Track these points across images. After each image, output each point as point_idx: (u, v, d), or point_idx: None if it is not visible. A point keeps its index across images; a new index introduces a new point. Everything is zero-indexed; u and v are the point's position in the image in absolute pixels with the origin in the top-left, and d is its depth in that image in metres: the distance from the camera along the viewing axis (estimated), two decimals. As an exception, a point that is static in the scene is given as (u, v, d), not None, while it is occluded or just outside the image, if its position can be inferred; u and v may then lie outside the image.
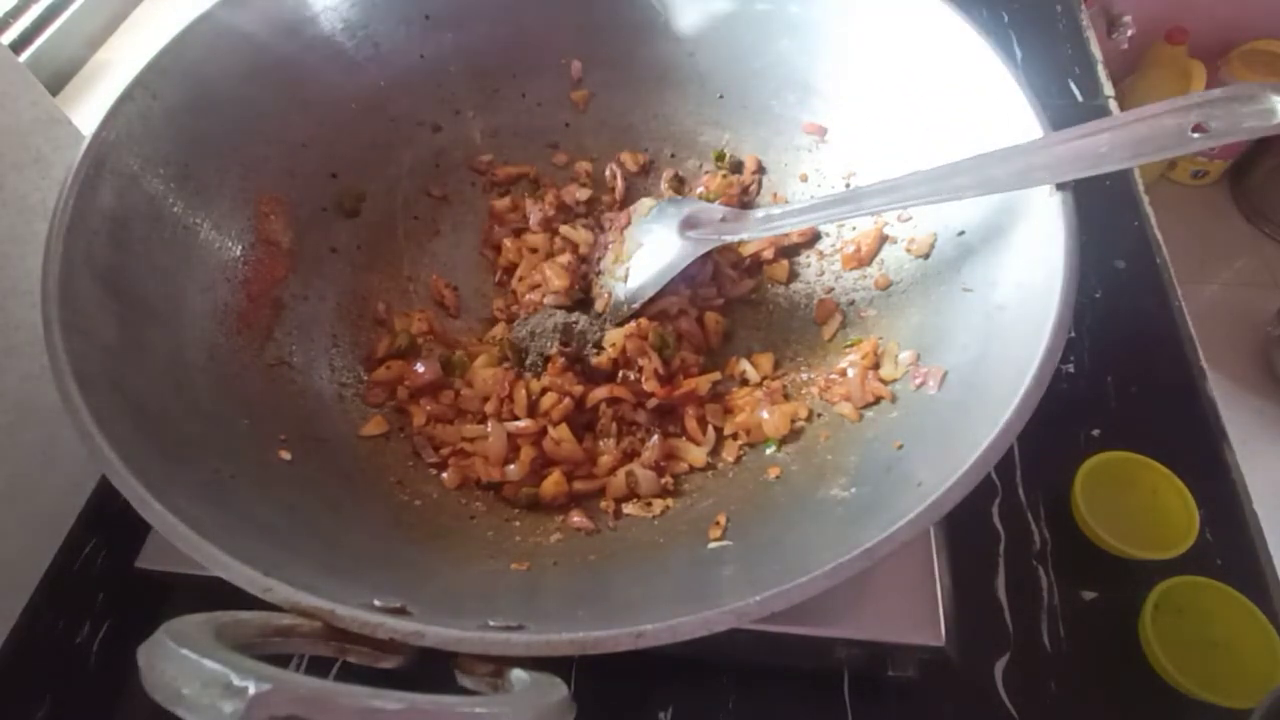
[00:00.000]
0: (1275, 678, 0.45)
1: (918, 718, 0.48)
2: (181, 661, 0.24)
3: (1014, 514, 0.55)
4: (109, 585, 0.54)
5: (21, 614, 0.53)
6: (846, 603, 0.42)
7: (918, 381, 0.44)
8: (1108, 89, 0.82)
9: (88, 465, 0.57)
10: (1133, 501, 0.52)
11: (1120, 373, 0.61)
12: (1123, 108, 0.80)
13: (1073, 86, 0.82)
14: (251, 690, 0.23)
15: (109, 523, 0.56)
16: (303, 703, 0.23)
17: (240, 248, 0.50)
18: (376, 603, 0.31)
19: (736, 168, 0.61)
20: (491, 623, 0.31)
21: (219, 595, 0.31)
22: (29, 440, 0.55)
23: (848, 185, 0.57)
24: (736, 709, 0.48)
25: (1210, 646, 0.47)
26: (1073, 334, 0.63)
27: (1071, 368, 0.62)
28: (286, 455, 0.45)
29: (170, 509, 0.32)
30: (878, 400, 0.46)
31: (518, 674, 0.29)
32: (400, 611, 0.31)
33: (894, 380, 0.47)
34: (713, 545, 0.42)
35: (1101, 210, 0.70)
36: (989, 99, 0.45)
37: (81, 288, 0.39)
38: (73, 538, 0.56)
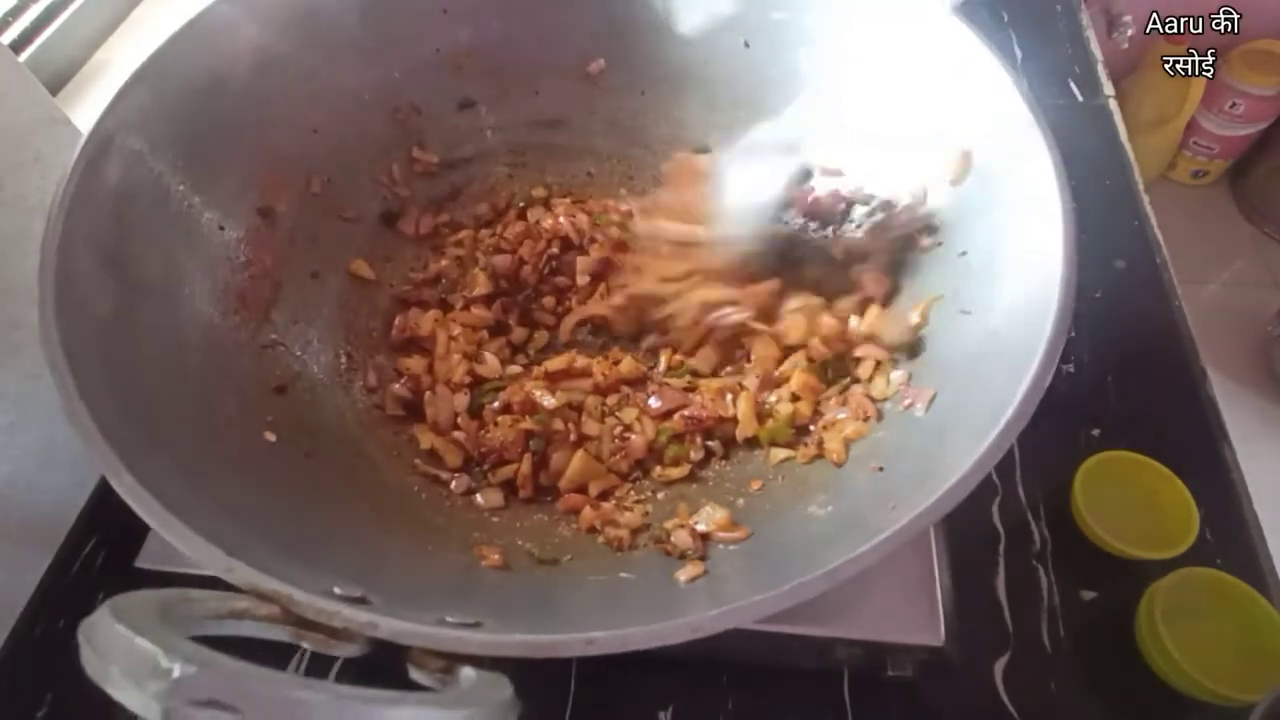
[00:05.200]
0: (1278, 670, 0.45)
1: (918, 718, 0.48)
2: (115, 638, 0.24)
3: (1014, 514, 0.55)
4: (109, 585, 0.54)
5: (22, 614, 0.53)
6: (846, 603, 0.42)
7: (907, 402, 0.44)
8: (1108, 89, 0.82)
9: (88, 465, 0.57)
10: (1133, 501, 0.52)
11: (1120, 373, 0.61)
12: (1123, 108, 0.80)
13: (1073, 86, 0.82)
14: (176, 672, 0.23)
15: (109, 523, 0.56)
16: (224, 688, 0.23)
17: (244, 228, 0.50)
18: (336, 590, 0.31)
19: None
20: (449, 618, 0.31)
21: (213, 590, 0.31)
22: (29, 440, 0.55)
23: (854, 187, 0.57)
24: (736, 709, 0.48)
25: (1210, 640, 0.47)
26: (1073, 334, 0.63)
27: (1071, 368, 0.62)
28: (271, 437, 0.45)
29: (143, 483, 0.32)
30: (865, 418, 0.46)
31: (466, 672, 0.29)
32: (360, 600, 0.31)
33: (884, 399, 0.46)
34: (688, 554, 0.42)
35: (1101, 210, 0.70)
36: (989, 100, 0.45)
37: (81, 262, 0.39)
38: (73, 538, 0.56)
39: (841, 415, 0.47)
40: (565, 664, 0.48)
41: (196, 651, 0.24)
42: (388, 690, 0.25)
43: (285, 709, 0.24)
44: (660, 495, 0.49)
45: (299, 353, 0.52)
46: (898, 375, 0.46)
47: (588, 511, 0.47)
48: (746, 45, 0.58)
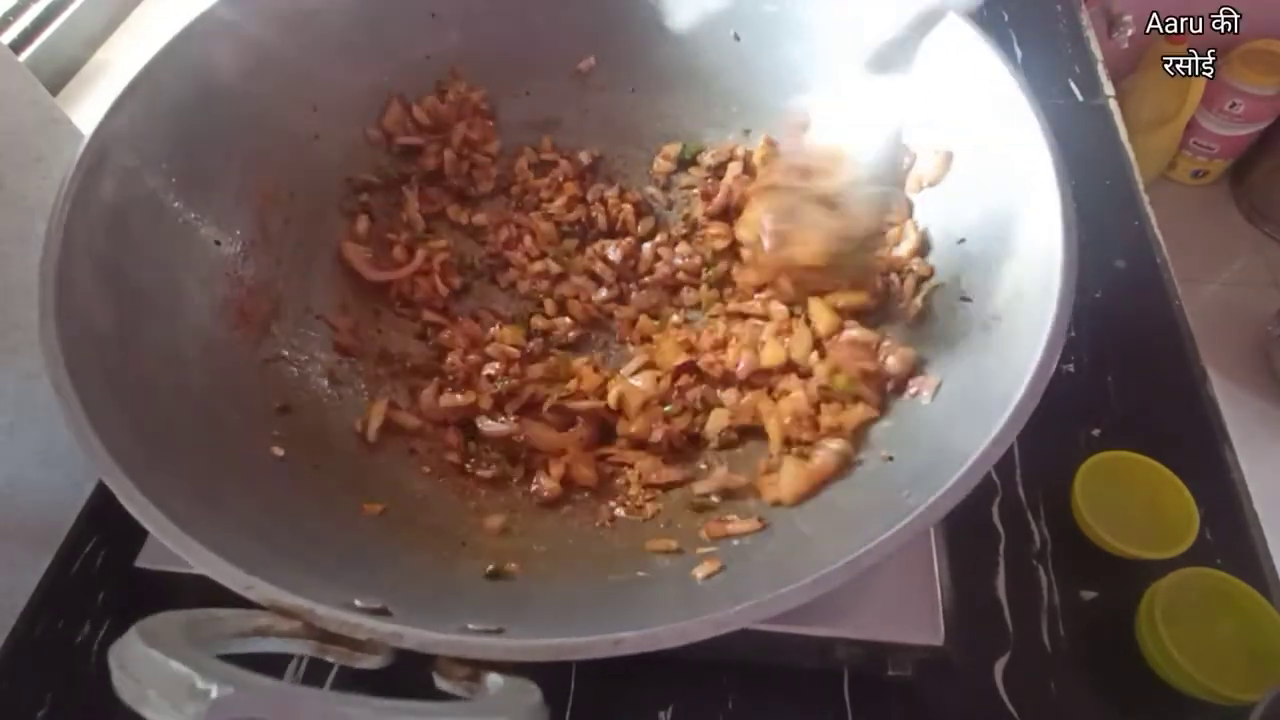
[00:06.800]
0: (1278, 670, 0.45)
1: (918, 718, 0.48)
2: (148, 662, 0.24)
3: (1014, 514, 0.55)
4: (109, 585, 0.54)
5: (22, 614, 0.53)
6: (847, 603, 0.42)
7: (912, 391, 0.44)
8: (1108, 89, 0.82)
9: (87, 465, 0.57)
10: (1133, 501, 0.52)
11: (1120, 373, 0.61)
12: (1123, 108, 0.80)
13: (1073, 86, 0.82)
14: (214, 694, 0.23)
15: (109, 523, 0.56)
16: (264, 707, 0.23)
17: (242, 242, 0.50)
18: (357, 603, 0.31)
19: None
20: (471, 626, 0.31)
21: (219, 595, 0.31)
22: (29, 440, 0.55)
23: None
24: (736, 709, 0.48)
25: (1210, 640, 0.47)
26: (1072, 334, 0.63)
27: (1071, 368, 0.62)
28: (279, 451, 0.45)
29: (155, 502, 0.32)
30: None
31: (493, 678, 0.29)
32: (381, 612, 0.31)
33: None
34: (703, 551, 0.42)
35: (1101, 210, 0.70)
36: (989, 99, 0.45)
37: (80, 277, 0.39)
38: (73, 538, 0.56)
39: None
40: (566, 664, 0.48)
41: (231, 672, 0.24)
42: (424, 702, 0.25)
43: None
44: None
45: (303, 359, 0.52)
46: None
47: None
48: (737, 39, 0.58)
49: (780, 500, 0.44)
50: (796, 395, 0.48)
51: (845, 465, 0.44)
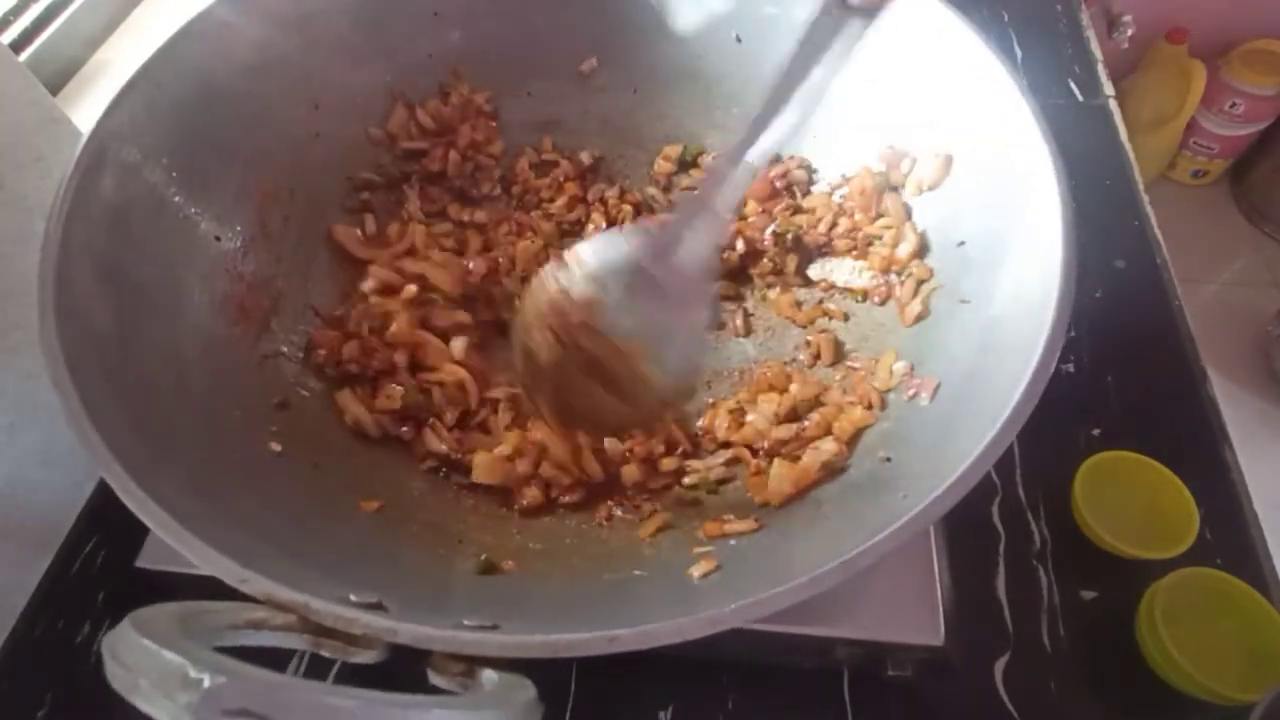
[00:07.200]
0: (1278, 670, 0.45)
1: (918, 718, 0.48)
2: (141, 652, 0.24)
3: (1014, 514, 0.55)
4: (109, 585, 0.54)
5: (22, 614, 0.53)
6: (846, 603, 0.42)
7: (911, 392, 0.44)
8: (1108, 89, 0.82)
9: (88, 465, 0.57)
10: (1133, 501, 0.52)
11: (1120, 373, 0.61)
12: (1123, 108, 0.80)
13: (1073, 86, 0.82)
14: (206, 683, 0.23)
15: (109, 523, 0.56)
16: (256, 697, 0.23)
17: (242, 238, 0.50)
18: (353, 598, 0.31)
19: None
20: (466, 621, 0.31)
21: (219, 594, 0.31)
22: (29, 440, 0.55)
23: (845, 180, 0.57)
24: (736, 709, 0.48)
25: (1210, 640, 0.47)
26: (1072, 333, 0.63)
27: (1071, 367, 0.62)
28: (277, 447, 0.45)
29: (153, 496, 0.32)
30: (870, 407, 0.46)
31: (488, 674, 0.29)
32: (376, 607, 0.31)
33: (888, 390, 0.47)
34: (699, 550, 0.42)
35: (1101, 210, 0.70)
36: (989, 100, 0.45)
37: (79, 275, 0.39)
38: (73, 538, 0.56)
39: (850, 403, 0.47)
40: (566, 664, 0.48)
41: (223, 662, 0.24)
42: (417, 695, 0.25)
43: (318, 716, 0.24)
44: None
45: (302, 355, 0.52)
46: (900, 366, 0.46)
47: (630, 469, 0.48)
48: (739, 41, 0.58)
49: (767, 501, 0.44)
50: (755, 418, 0.48)
51: (834, 468, 0.44)
